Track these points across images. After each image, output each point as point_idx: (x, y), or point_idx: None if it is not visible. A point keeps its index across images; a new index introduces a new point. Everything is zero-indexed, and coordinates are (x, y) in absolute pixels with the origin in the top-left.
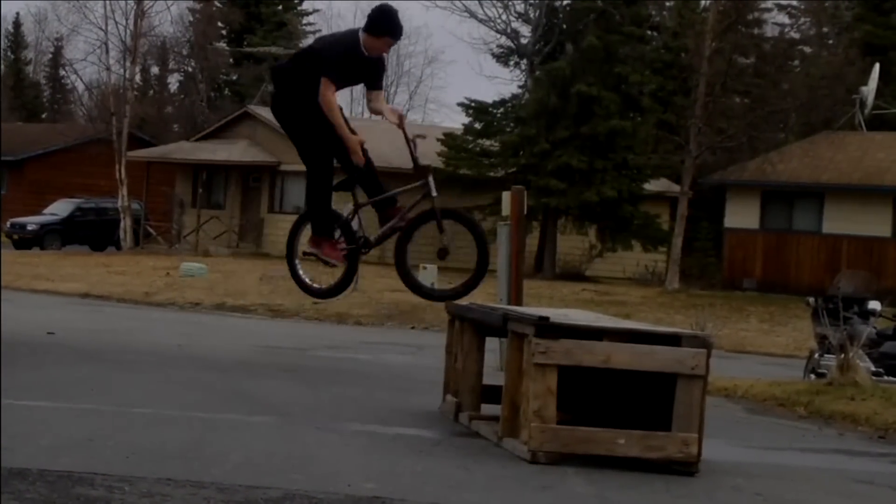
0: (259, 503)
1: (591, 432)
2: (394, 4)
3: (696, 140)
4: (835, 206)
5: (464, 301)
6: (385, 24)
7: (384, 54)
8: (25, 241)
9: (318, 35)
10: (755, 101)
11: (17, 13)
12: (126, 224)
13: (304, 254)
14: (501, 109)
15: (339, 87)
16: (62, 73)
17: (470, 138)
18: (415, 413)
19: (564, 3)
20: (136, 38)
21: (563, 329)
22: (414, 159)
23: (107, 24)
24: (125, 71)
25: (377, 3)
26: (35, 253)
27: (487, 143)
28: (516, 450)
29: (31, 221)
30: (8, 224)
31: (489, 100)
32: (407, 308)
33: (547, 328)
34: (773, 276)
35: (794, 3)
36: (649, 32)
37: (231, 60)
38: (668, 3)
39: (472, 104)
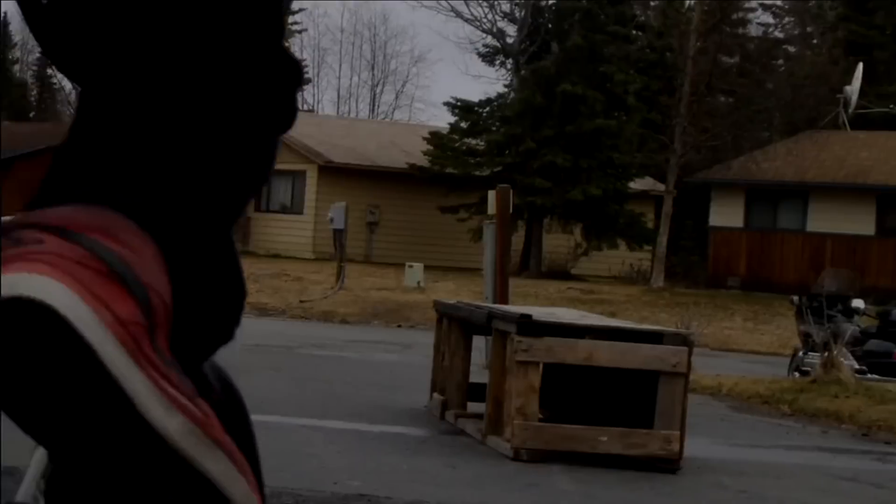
0: None
1: (574, 430)
2: (381, 5)
3: (680, 139)
4: (819, 204)
5: (451, 300)
6: None
7: None
8: None
9: (302, 34)
10: (739, 100)
11: (5, 13)
12: None
13: None
14: (487, 108)
15: None
16: (49, 72)
17: (456, 137)
18: (401, 411)
19: (550, 2)
20: None
21: (546, 327)
22: None
23: None
24: None
25: (362, 3)
26: None
27: (473, 142)
28: (500, 447)
29: None
30: None
31: (475, 99)
32: (393, 306)
33: (529, 326)
34: (757, 274)
35: (779, 2)
36: (634, 32)
37: None
38: (652, 3)
39: (458, 103)
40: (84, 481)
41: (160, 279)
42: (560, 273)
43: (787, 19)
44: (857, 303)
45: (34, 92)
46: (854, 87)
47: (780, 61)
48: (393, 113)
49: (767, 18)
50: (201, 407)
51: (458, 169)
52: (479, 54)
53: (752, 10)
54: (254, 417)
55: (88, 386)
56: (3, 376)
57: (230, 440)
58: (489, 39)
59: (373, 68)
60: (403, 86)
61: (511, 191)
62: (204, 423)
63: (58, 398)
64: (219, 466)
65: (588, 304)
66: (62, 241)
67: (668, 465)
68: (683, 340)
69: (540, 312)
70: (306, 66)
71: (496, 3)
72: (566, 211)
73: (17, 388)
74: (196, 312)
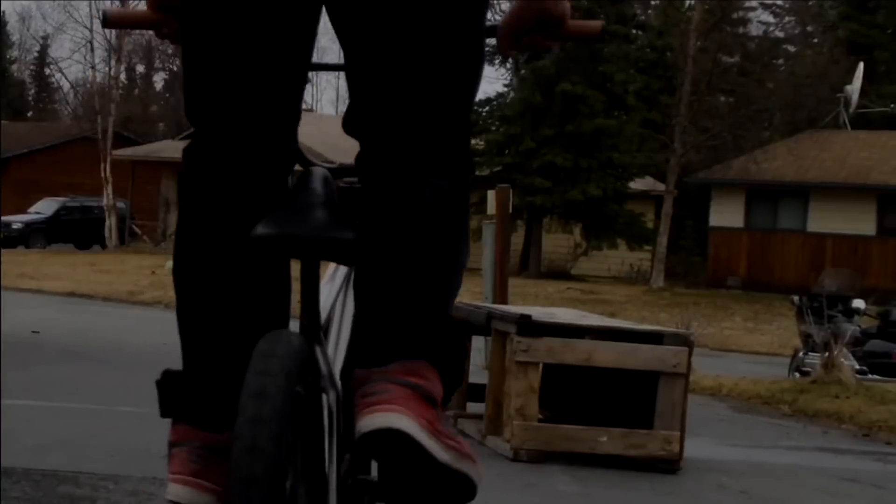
0: None
1: (573, 430)
2: None
3: (680, 139)
4: (819, 204)
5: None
6: None
7: None
8: (10, 239)
9: None
10: (740, 99)
11: (3, 12)
12: (111, 223)
13: None
14: (487, 108)
15: None
16: (47, 71)
17: None
18: None
19: None
20: (122, 36)
21: (545, 327)
22: None
23: (92, 23)
24: (110, 69)
25: None
26: (20, 251)
27: (473, 141)
28: (499, 448)
29: (16, 220)
30: None
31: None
32: None
33: (529, 326)
34: (757, 274)
35: (779, 2)
36: (634, 31)
37: None
38: (653, 2)
39: None
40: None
41: (437, 385)
42: (560, 273)
43: (787, 18)
44: (858, 303)
45: (32, 91)
46: (855, 87)
47: (781, 61)
48: None
49: (768, 18)
50: (457, 440)
51: None
52: None
53: (753, 9)
54: None
55: (417, 452)
56: (383, 461)
57: (469, 448)
58: (489, 39)
59: None
60: None
61: (511, 190)
62: (460, 450)
63: (402, 459)
64: (466, 465)
65: (588, 304)
66: (396, 386)
67: (668, 465)
68: (683, 341)
69: (539, 313)
70: None
71: (496, 2)
72: (566, 211)
73: (389, 465)
74: (451, 383)
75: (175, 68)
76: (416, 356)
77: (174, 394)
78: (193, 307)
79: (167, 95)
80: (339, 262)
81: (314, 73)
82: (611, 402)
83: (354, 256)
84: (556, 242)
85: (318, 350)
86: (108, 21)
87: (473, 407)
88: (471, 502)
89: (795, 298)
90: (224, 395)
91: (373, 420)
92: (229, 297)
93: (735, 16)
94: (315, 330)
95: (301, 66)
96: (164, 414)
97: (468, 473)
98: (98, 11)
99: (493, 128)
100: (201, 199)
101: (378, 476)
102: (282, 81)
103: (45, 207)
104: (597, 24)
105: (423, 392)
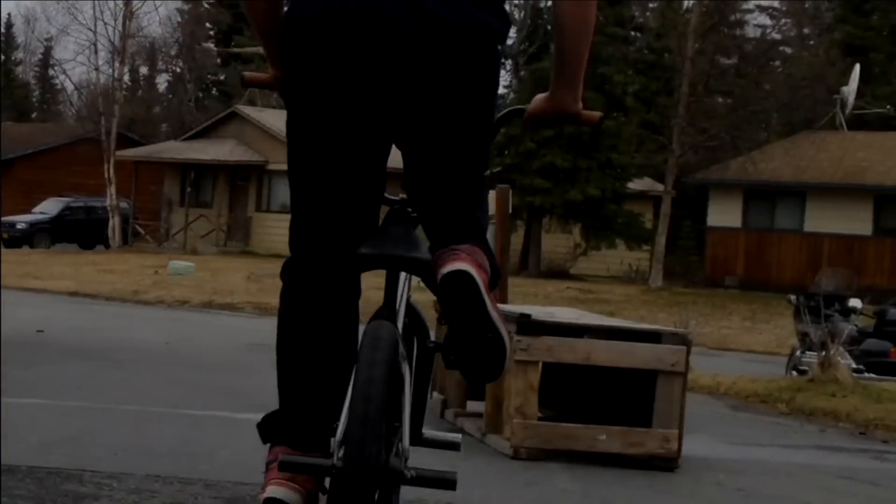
0: (246, 499)
1: (572, 428)
2: None
3: (679, 140)
4: (816, 204)
5: None
6: None
7: None
8: (15, 239)
9: None
10: (737, 101)
11: (9, 14)
12: (115, 223)
13: None
14: None
15: None
16: (52, 73)
17: None
18: None
19: (549, 4)
20: (125, 38)
21: (545, 326)
22: None
23: (96, 25)
24: (114, 71)
25: None
26: (24, 251)
27: None
28: (499, 446)
29: (21, 220)
30: None
31: None
32: None
33: (528, 325)
34: (755, 274)
35: (776, 4)
36: (633, 33)
37: (219, 61)
38: (651, 5)
39: None
40: (460, 337)
41: (487, 263)
42: (559, 273)
43: (784, 21)
44: (855, 302)
45: (36, 92)
46: (851, 88)
47: (778, 62)
48: None
49: (765, 20)
50: (497, 306)
51: None
52: None
53: (750, 11)
54: (256, 416)
55: (475, 291)
56: (453, 295)
57: (503, 316)
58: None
59: None
60: None
61: (510, 191)
62: (501, 316)
63: (465, 294)
64: (503, 329)
65: (587, 303)
66: (462, 252)
67: (666, 463)
68: (682, 340)
69: (539, 312)
70: None
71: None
72: (565, 211)
73: (456, 299)
74: (494, 274)
75: (178, 70)
76: (474, 243)
77: (272, 426)
78: (293, 369)
79: (170, 97)
80: (417, 275)
81: None
82: (609, 401)
83: (427, 272)
84: (556, 242)
85: (397, 334)
86: (244, 82)
87: (473, 405)
88: (462, 499)
89: (792, 298)
90: (313, 424)
91: (450, 266)
92: (318, 361)
93: (732, 18)
94: (394, 320)
95: (380, 189)
96: (265, 440)
97: (503, 336)
98: (101, 13)
99: None
100: (298, 301)
101: (445, 317)
102: (366, 214)
103: (49, 207)
104: (597, 114)
105: (479, 260)
